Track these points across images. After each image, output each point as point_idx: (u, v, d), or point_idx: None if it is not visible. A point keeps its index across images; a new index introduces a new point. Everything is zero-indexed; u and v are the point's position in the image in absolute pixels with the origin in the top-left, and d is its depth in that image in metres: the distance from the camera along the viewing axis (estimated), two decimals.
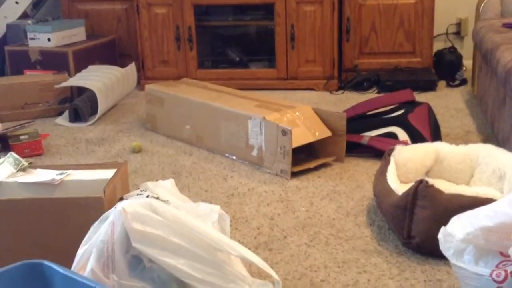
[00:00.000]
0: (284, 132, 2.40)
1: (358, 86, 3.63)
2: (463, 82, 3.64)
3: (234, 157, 2.63)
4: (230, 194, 2.29)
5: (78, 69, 3.55)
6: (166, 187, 1.69)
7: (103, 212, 1.42)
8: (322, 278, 1.73)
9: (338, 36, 3.63)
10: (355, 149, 2.59)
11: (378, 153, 2.48)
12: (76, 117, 3.21)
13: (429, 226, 1.75)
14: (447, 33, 3.90)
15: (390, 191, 1.94)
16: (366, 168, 2.49)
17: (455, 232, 1.42)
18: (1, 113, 3.24)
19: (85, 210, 1.58)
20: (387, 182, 1.99)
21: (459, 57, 3.71)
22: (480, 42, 2.98)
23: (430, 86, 3.54)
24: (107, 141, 2.94)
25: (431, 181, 1.79)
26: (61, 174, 1.78)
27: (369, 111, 2.72)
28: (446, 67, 3.68)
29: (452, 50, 3.75)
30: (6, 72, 3.79)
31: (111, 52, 3.99)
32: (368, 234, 1.96)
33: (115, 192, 1.69)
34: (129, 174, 2.37)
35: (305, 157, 2.54)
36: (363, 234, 1.96)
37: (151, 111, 3.02)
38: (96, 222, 1.41)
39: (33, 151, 2.73)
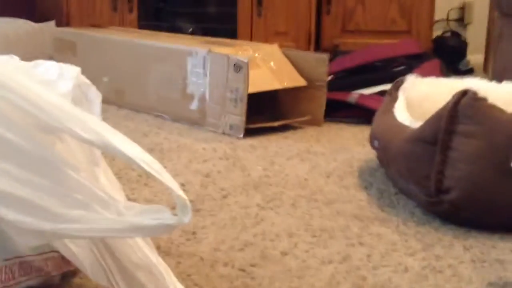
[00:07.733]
0: (238, 67, 1.62)
1: None
2: (469, 72, 2.94)
3: (166, 116, 1.84)
4: (148, 149, 1.49)
5: None
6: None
7: None
8: (282, 249, 0.93)
9: (316, 6, 2.93)
10: (339, 112, 1.84)
11: (370, 118, 1.69)
12: None
13: (478, 168, 0.98)
14: (447, 19, 3.23)
15: (402, 126, 1.18)
16: (353, 133, 1.72)
17: None
18: None
19: None
20: (396, 119, 1.24)
21: (464, 44, 3.03)
22: None
23: None
24: None
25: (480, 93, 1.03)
26: None
27: (360, 65, 1.99)
28: (447, 54, 2.97)
29: (455, 35, 3.08)
30: None
31: (28, 9, 3.19)
32: (363, 198, 1.18)
33: None
34: None
35: (268, 117, 1.77)
36: (355, 198, 1.18)
37: (60, 61, 2.23)
38: None
39: None
